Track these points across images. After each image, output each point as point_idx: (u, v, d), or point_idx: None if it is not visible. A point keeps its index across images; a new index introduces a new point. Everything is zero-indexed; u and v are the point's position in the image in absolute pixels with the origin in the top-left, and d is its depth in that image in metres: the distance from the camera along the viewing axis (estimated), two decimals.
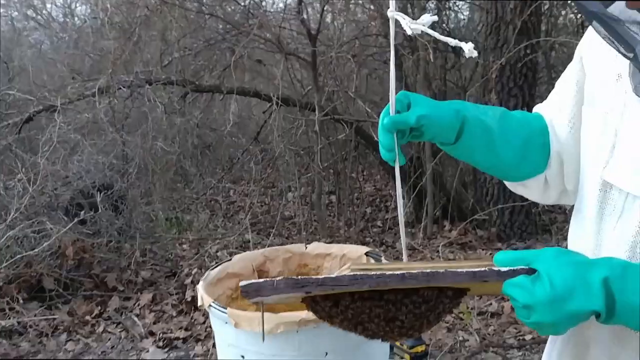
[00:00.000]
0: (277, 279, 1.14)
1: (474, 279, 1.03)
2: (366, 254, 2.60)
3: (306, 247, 2.76)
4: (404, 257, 1.43)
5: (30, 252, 3.65)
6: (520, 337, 3.34)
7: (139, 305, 3.77)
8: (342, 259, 2.68)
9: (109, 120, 4.58)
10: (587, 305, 0.95)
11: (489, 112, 1.26)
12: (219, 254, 4.33)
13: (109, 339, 3.43)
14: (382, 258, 2.62)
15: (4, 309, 3.50)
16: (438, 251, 4.49)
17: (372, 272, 1.08)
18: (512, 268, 1.00)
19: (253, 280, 1.13)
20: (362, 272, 1.09)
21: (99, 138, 4.66)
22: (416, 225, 5.06)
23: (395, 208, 5.33)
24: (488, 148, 1.24)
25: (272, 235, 4.63)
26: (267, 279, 1.14)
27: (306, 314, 2.07)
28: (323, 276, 1.11)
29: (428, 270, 1.05)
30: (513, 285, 0.99)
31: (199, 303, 2.21)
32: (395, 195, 1.33)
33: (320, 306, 1.27)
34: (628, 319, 0.96)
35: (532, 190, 1.32)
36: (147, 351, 3.27)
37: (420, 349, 3.15)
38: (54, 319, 3.55)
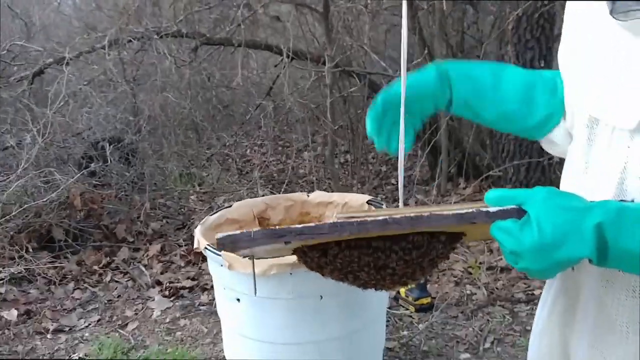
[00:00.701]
0: (254, 230, 1.09)
1: (461, 222, 0.97)
2: (368, 202, 2.55)
3: (308, 196, 2.72)
4: (400, 203, 1.37)
5: (39, 202, 3.66)
6: (529, 292, 3.28)
7: (147, 256, 3.77)
8: (343, 207, 2.64)
9: (118, 72, 4.54)
10: (577, 252, 0.91)
11: (480, 66, 1.23)
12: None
13: (116, 288, 3.45)
14: (384, 206, 2.57)
15: (14, 257, 3.53)
16: None
17: (354, 219, 1.02)
18: (501, 208, 0.94)
19: (229, 232, 1.07)
20: (344, 220, 1.03)
21: (109, 91, 4.64)
22: (430, 183, 4.98)
23: (411, 167, 5.26)
24: (487, 100, 1.21)
25: (283, 192, 4.59)
26: (244, 231, 1.08)
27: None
28: (302, 225, 1.05)
29: (412, 215, 0.99)
30: (500, 229, 0.94)
31: (195, 245, 2.21)
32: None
33: (309, 257, 1.22)
34: (622, 263, 0.93)
35: (558, 145, 1.26)
36: (153, 299, 3.28)
37: (425, 301, 3.11)
38: (62, 267, 3.57)
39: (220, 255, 2.06)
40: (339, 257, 1.17)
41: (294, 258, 2.15)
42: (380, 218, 1.00)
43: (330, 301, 2.11)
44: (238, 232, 1.03)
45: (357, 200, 2.61)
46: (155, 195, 4.45)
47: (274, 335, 2.14)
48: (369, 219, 1.00)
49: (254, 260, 1.32)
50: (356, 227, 0.99)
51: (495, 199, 0.97)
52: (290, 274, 2.00)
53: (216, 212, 2.60)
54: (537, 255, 0.91)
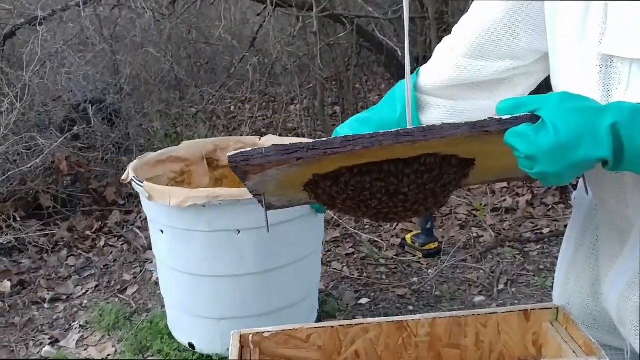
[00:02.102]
0: (266, 146, 1.02)
1: (474, 130, 0.93)
2: None
3: (259, 139, 2.69)
4: (408, 123, 1.32)
5: (24, 169, 3.50)
6: (538, 231, 3.21)
7: (140, 217, 3.65)
8: None
9: (95, 30, 4.33)
10: (593, 153, 0.88)
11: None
12: None
13: (111, 253, 3.33)
14: None
15: (1, 227, 3.38)
16: None
17: (365, 133, 0.97)
18: (514, 116, 0.92)
19: (241, 150, 1.01)
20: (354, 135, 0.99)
21: (87, 50, 4.43)
22: None
23: None
24: None
25: None
26: (256, 147, 1.02)
27: (215, 191, 2.06)
28: (314, 140, 0.99)
29: (424, 125, 0.95)
30: (515, 134, 0.92)
31: (123, 177, 2.25)
32: None
33: (320, 188, 1.16)
34: (638, 164, 0.90)
35: None
36: (151, 262, 3.17)
37: (432, 246, 3.03)
38: (54, 235, 3.44)
39: (142, 186, 2.13)
40: (351, 183, 1.13)
41: (208, 191, 2.15)
42: (393, 130, 0.96)
43: (248, 236, 2.13)
44: (249, 149, 0.99)
45: None
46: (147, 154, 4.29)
47: (193, 267, 2.20)
48: (380, 131, 0.96)
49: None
50: (369, 140, 0.95)
51: (507, 107, 0.94)
52: (204, 206, 2.02)
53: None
54: (554, 156, 0.89)
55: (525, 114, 0.91)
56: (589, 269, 1.53)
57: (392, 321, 1.63)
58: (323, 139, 0.97)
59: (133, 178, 2.20)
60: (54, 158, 3.70)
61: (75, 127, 3.97)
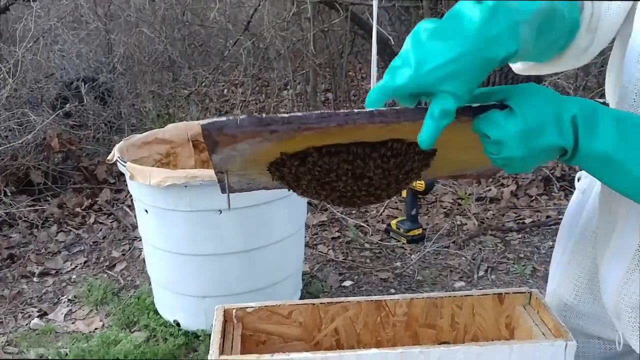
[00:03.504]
0: (241, 116, 1.04)
1: None
2: None
3: None
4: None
5: (15, 144, 3.52)
6: (520, 221, 3.28)
7: (130, 196, 3.68)
8: None
9: (89, 8, 4.34)
10: (556, 140, 0.93)
11: None
12: None
13: (100, 230, 3.37)
14: None
15: None
16: None
17: (340, 111, 1.00)
18: (483, 104, 0.96)
19: (215, 119, 1.03)
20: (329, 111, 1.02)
21: (80, 28, 4.44)
22: None
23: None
24: None
25: None
26: (230, 117, 1.04)
27: (194, 171, 2.11)
28: (289, 114, 1.02)
29: (398, 107, 0.98)
30: (485, 120, 0.96)
31: (109, 157, 2.30)
32: None
33: (287, 167, 1.18)
34: (588, 162, 0.96)
35: None
36: (139, 240, 3.20)
37: (416, 232, 3.09)
38: (44, 210, 3.47)
39: (124, 166, 2.19)
40: (318, 164, 1.15)
41: (188, 172, 2.19)
42: (367, 110, 0.98)
43: (230, 216, 2.18)
44: (224, 118, 1.00)
45: None
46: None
47: (176, 246, 2.26)
48: (355, 110, 0.98)
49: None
50: (343, 118, 0.98)
51: (477, 96, 0.97)
52: (185, 186, 2.09)
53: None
54: (521, 141, 0.93)
55: (494, 103, 0.95)
56: (587, 256, 1.57)
57: (371, 300, 1.69)
58: (298, 114, 1.01)
59: (118, 158, 2.24)
60: (45, 135, 3.72)
61: (68, 105, 3.99)
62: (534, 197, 3.50)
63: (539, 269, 2.78)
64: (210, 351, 1.47)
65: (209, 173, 2.05)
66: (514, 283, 2.70)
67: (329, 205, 3.41)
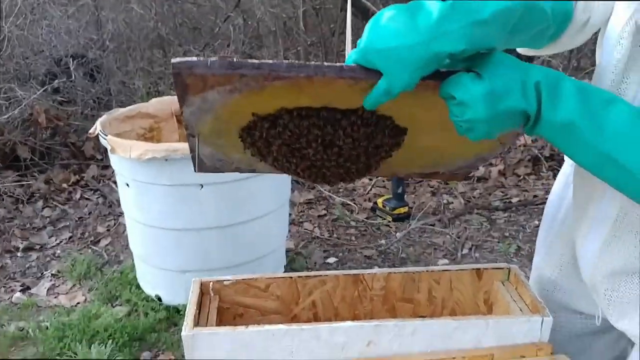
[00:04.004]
0: (212, 58, 1.03)
1: None
2: None
3: None
4: None
5: (1, 119, 3.50)
6: (507, 200, 3.28)
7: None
8: None
9: None
10: (519, 104, 0.96)
11: None
12: None
13: (86, 206, 3.36)
14: None
15: None
16: None
17: (311, 63, 1.00)
18: (451, 69, 0.99)
19: (187, 58, 1.01)
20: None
21: (70, 3, 4.40)
22: None
23: None
24: None
25: None
26: (201, 58, 1.03)
27: (175, 145, 2.10)
28: (260, 61, 1.01)
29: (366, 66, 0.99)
30: (451, 82, 0.98)
31: (91, 130, 2.29)
32: None
33: (258, 130, 1.17)
34: (548, 130, 0.98)
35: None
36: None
37: (402, 210, 3.09)
38: (30, 186, 3.46)
39: (106, 139, 2.20)
40: (289, 127, 1.15)
41: (168, 145, 2.17)
42: (337, 64, 1.00)
43: (211, 191, 2.18)
44: (195, 58, 0.99)
45: None
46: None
47: (156, 220, 2.26)
48: (325, 63, 0.99)
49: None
50: (313, 69, 0.98)
51: (446, 65, 0.99)
52: (166, 159, 2.09)
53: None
54: (485, 103, 0.95)
55: (462, 68, 0.97)
56: (571, 235, 1.58)
57: (349, 274, 1.69)
58: (268, 61, 1.00)
59: (100, 132, 2.23)
60: (32, 110, 3.69)
61: (56, 81, 3.96)
62: (522, 177, 3.50)
63: (524, 247, 2.79)
64: (184, 323, 1.47)
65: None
66: (497, 261, 2.70)
67: (310, 183, 3.40)
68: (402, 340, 1.46)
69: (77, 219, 3.23)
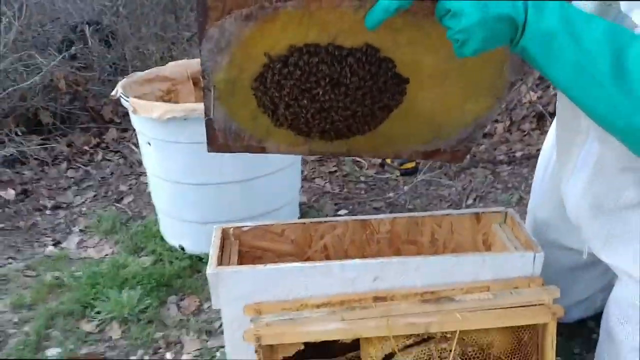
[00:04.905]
0: None
1: None
2: None
3: None
4: None
5: (23, 86, 3.64)
6: (511, 154, 3.40)
7: (136, 134, 3.81)
8: None
9: None
10: (509, 9, 1.04)
11: None
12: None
13: (108, 166, 3.52)
14: None
15: (3, 140, 3.57)
16: None
17: None
18: None
19: None
20: None
21: None
22: None
23: None
24: None
25: None
26: None
27: (193, 105, 2.23)
28: None
29: None
30: None
31: (112, 93, 2.42)
32: None
33: (270, 72, 1.28)
34: (533, 44, 1.05)
35: None
36: (145, 175, 3.35)
37: (410, 165, 3.22)
38: (53, 148, 3.62)
39: (128, 101, 2.33)
40: (299, 64, 1.26)
41: (188, 105, 2.31)
42: None
43: None
44: None
45: None
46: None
47: (178, 176, 2.41)
48: None
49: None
50: None
51: None
52: (185, 119, 2.22)
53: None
54: (477, 7, 1.04)
55: None
56: (557, 175, 1.71)
57: (357, 219, 1.85)
58: None
59: (121, 94, 2.36)
60: (52, 76, 3.83)
61: (73, 48, 4.09)
62: (526, 132, 3.61)
63: (525, 197, 2.91)
64: (209, 262, 1.63)
65: None
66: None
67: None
68: (406, 276, 1.61)
69: (99, 179, 3.39)
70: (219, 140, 1.54)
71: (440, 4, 1.08)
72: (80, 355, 1.99)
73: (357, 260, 1.57)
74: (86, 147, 3.70)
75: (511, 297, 1.51)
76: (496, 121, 3.77)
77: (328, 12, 1.16)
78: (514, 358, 1.52)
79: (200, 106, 2.21)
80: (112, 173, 3.44)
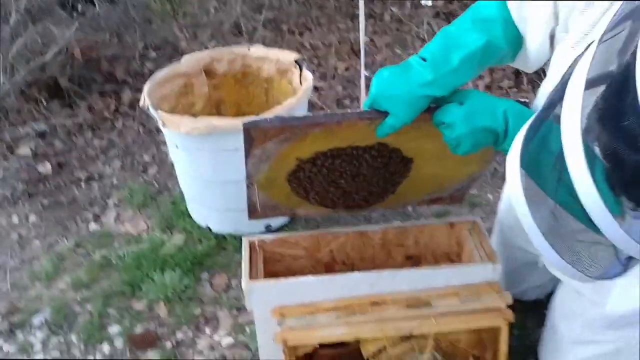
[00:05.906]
0: (270, 116, 1.55)
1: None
2: (295, 60, 2.96)
3: (249, 49, 3.11)
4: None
5: (45, 58, 3.93)
6: None
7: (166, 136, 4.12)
8: (276, 63, 3.06)
9: None
10: (491, 122, 1.34)
11: None
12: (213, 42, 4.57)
13: (129, 134, 3.87)
14: (304, 65, 2.97)
15: (32, 110, 3.90)
16: (423, 23, 4.73)
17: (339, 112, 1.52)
18: (441, 105, 1.43)
19: (253, 117, 1.50)
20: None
21: None
22: None
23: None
24: None
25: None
26: (263, 117, 1.51)
27: (216, 121, 2.54)
28: (304, 114, 1.55)
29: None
30: (442, 110, 1.40)
31: (141, 103, 2.74)
32: None
33: (302, 171, 1.68)
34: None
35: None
36: (165, 144, 3.73)
37: None
38: (76, 116, 3.95)
39: (157, 116, 2.67)
40: (326, 164, 1.67)
41: (211, 122, 2.69)
42: (357, 110, 1.48)
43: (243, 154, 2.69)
44: (258, 117, 1.47)
45: (286, 57, 3.00)
46: (145, 34, 4.68)
47: (204, 174, 2.78)
48: (349, 110, 1.53)
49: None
50: (341, 116, 1.45)
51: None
52: (209, 134, 2.54)
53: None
54: (465, 121, 1.35)
55: (449, 102, 1.42)
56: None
57: (356, 230, 2.30)
58: (310, 114, 1.50)
59: (149, 106, 2.67)
60: (68, 45, 4.11)
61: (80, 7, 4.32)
62: (504, 90, 3.97)
63: (500, 170, 3.32)
64: (242, 276, 2.10)
65: (227, 123, 2.54)
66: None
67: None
68: (395, 282, 2.09)
69: (123, 147, 3.76)
70: (259, 212, 1.95)
71: (436, 117, 1.42)
72: (137, 336, 2.48)
73: (358, 274, 2.04)
74: (106, 113, 4.03)
75: (474, 303, 1.99)
76: (479, 78, 4.11)
77: (347, 129, 1.54)
78: (476, 349, 2.04)
79: (222, 123, 2.59)
80: (133, 141, 3.80)
